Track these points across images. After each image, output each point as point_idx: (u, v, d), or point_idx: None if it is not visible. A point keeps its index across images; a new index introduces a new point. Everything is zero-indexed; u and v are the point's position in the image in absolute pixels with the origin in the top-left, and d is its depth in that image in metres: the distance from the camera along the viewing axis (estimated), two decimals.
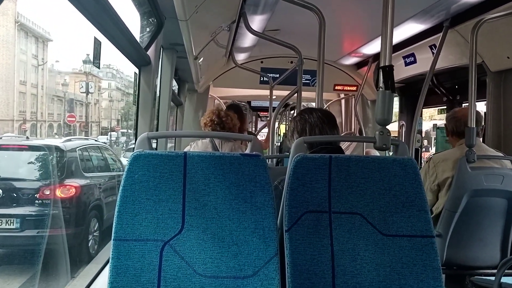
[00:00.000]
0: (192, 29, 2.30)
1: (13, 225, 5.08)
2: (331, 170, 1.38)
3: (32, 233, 5.09)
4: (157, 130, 2.84)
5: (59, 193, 5.42)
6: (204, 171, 1.34)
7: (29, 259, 5.04)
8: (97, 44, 1.75)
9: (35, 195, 5.33)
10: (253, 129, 9.83)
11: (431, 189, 2.43)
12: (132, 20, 2.11)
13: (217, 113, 2.91)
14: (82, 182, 5.74)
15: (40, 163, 5.73)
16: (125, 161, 8.25)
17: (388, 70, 1.43)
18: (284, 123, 7.30)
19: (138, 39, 2.17)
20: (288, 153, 1.57)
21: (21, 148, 6.00)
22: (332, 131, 1.73)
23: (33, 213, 5.30)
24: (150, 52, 2.29)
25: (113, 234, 1.30)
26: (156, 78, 2.42)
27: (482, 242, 2.35)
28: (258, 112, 9.90)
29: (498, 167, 2.37)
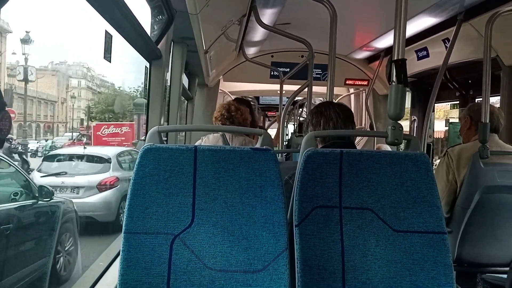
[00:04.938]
0: (203, 23, 2.30)
1: None
2: (342, 165, 1.37)
3: None
4: (167, 124, 2.84)
5: None
6: (215, 165, 1.34)
7: None
8: (108, 38, 1.75)
9: None
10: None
11: (449, 182, 2.36)
12: (143, 13, 2.11)
13: (227, 107, 2.87)
14: None
15: None
16: (38, 177, 5.45)
17: (401, 64, 1.41)
18: (292, 122, 7.26)
19: (149, 33, 2.17)
20: (298, 148, 1.56)
21: None
22: (347, 126, 1.69)
23: None
24: (161, 46, 2.29)
25: (123, 227, 1.31)
26: (167, 72, 2.43)
27: (494, 239, 2.32)
28: (266, 112, 9.81)
29: None
